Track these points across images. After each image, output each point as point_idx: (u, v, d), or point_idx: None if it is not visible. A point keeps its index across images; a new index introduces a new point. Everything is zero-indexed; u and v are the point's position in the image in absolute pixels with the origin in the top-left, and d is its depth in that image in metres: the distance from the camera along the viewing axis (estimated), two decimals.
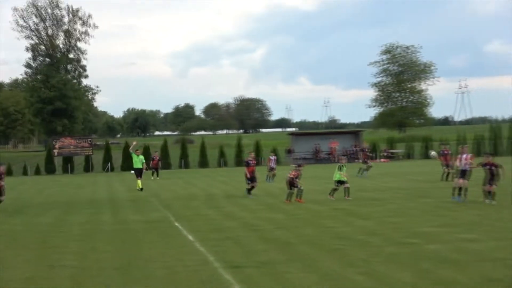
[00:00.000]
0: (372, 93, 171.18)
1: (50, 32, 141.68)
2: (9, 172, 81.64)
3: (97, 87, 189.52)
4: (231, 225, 27.79)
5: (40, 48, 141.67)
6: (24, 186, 61.49)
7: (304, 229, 25.82)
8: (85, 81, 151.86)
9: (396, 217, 28.37)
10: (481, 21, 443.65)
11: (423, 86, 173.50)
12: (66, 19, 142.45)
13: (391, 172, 56.00)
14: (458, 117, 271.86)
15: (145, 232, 26.40)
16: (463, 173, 33.73)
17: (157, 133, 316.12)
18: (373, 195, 37.54)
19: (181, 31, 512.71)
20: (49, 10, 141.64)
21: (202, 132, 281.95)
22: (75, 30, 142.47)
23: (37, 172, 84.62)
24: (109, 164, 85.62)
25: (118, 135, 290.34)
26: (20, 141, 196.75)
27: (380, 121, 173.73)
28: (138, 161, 49.37)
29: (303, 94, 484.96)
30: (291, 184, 36.17)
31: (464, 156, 34.08)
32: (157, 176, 64.67)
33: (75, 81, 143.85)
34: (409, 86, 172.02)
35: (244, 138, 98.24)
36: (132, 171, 77.97)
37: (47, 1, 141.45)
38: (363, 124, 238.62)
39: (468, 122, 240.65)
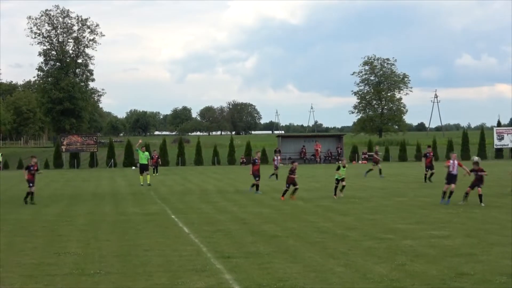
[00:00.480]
0: (353, 100, 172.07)
1: (61, 39, 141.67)
2: (20, 166, 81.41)
3: (103, 89, 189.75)
4: (222, 218, 27.71)
5: (51, 53, 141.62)
6: None
7: (289, 223, 25.77)
8: (92, 84, 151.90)
9: (374, 214, 28.32)
10: (452, 37, 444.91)
11: (399, 95, 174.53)
12: (75, 28, 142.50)
13: (370, 173, 55.92)
14: (430, 124, 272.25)
15: (143, 223, 26.31)
16: (453, 178, 33.10)
17: (156, 133, 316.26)
18: (352, 193, 37.49)
19: (180, 40, 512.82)
20: (60, 19, 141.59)
21: (198, 133, 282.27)
22: (83, 37, 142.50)
23: (46, 166, 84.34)
24: (112, 160, 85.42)
25: (121, 134, 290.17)
26: (31, 137, 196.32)
27: (360, 126, 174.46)
28: (144, 157, 49.10)
29: (290, 100, 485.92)
30: (292, 182, 35.65)
31: (453, 162, 33.39)
32: (156, 172, 64.46)
33: (82, 84, 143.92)
34: (387, 95, 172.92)
35: (236, 139, 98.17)
36: (133, 167, 78.18)
37: (59, 10, 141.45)
38: (344, 129, 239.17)
39: (439, 128, 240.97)
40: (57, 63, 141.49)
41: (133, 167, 78.80)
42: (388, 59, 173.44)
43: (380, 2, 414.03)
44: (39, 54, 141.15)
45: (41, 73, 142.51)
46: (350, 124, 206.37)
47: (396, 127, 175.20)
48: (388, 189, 41.54)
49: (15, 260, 18.12)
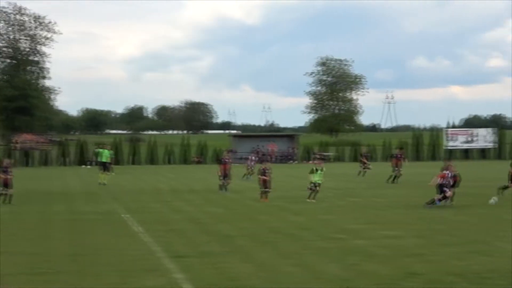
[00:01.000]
0: (307, 100, 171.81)
1: (15, 36, 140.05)
2: None
3: (59, 88, 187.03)
4: (176, 218, 27.66)
5: (5, 50, 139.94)
6: None
7: (243, 223, 25.82)
8: (48, 82, 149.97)
9: (326, 214, 28.47)
10: (407, 39, 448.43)
11: (354, 96, 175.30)
12: (30, 25, 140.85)
13: (323, 173, 56.07)
14: (384, 125, 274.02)
15: (95, 222, 26.16)
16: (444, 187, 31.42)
17: (110, 131, 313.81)
18: (306, 193, 37.59)
19: (136, 39, 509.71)
20: (14, 16, 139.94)
21: (152, 132, 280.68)
22: (38, 35, 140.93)
23: None
24: (65, 158, 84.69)
25: (74, 132, 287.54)
26: None
27: (314, 126, 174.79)
28: (106, 155, 48.76)
29: (245, 100, 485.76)
30: (264, 183, 34.87)
31: (448, 173, 31.70)
32: (109, 171, 63.92)
33: (37, 82, 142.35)
34: (341, 95, 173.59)
35: (190, 138, 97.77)
36: (86, 166, 77.63)
37: (12, 7, 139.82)
38: (299, 129, 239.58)
39: (393, 129, 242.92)
40: (12, 61, 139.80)
41: (86, 166, 78.25)
42: (344, 60, 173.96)
43: (338, 2, 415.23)
44: None
45: None
46: (304, 124, 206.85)
47: (350, 127, 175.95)
48: (342, 190, 41.79)
49: None
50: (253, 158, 54.84)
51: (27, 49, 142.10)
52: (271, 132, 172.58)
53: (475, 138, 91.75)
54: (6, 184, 33.96)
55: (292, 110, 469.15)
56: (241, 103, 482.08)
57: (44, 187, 46.41)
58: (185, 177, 57.42)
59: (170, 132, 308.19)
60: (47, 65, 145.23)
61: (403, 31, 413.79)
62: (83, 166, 78.37)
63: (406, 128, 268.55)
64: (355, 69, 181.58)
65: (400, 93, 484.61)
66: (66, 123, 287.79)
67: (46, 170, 73.55)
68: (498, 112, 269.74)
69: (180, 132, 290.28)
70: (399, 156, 48.92)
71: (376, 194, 38.15)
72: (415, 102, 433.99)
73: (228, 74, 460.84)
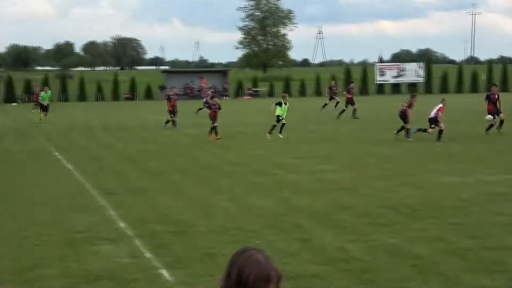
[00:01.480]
0: (238, 36, 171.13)
1: None
2: None
3: None
4: (107, 155, 27.47)
5: None
6: None
7: (175, 159, 25.76)
8: None
9: (259, 150, 28.53)
10: None
11: (284, 31, 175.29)
12: None
13: (255, 108, 56.24)
14: (315, 60, 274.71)
15: (26, 161, 25.84)
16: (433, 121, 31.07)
17: (38, 68, 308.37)
18: (239, 129, 37.62)
19: None
20: None
21: (81, 68, 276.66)
22: None
23: None
24: None
25: (1, 69, 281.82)
26: None
27: (246, 61, 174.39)
28: (46, 97, 48.45)
29: (176, 35, 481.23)
30: (213, 118, 33.26)
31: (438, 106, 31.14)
32: (40, 109, 62.96)
33: None
34: (272, 31, 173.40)
35: (120, 74, 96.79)
36: (14, 103, 76.29)
37: None
38: (230, 64, 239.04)
39: (324, 64, 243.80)
40: None
41: (15, 103, 76.89)
42: None
43: None
44: None
45: None
46: (235, 59, 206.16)
47: (281, 62, 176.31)
48: None
49: None
50: (210, 93, 53.55)
51: None
52: (203, 68, 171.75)
53: (403, 73, 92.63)
54: None
55: (224, 45, 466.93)
56: (170, 38, 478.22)
57: None
58: (116, 113, 56.88)
59: (98, 68, 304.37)
60: None
61: None
62: (13, 104, 76.92)
63: (337, 63, 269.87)
64: (285, 4, 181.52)
65: (330, 28, 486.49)
66: None
67: None
68: (426, 47, 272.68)
69: (110, 68, 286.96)
70: (351, 90, 47.79)
71: (309, 129, 38.30)
72: (345, 37, 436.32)
73: (157, 8, 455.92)
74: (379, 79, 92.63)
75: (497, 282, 10.72)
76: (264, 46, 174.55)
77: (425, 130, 30.80)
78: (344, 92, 49.48)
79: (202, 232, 13.87)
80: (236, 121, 42.16)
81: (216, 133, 32.63)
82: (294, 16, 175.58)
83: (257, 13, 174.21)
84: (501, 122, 33.40)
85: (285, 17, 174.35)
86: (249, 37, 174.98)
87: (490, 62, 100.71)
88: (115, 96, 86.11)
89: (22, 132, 38.88)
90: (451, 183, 19.27)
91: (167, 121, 39.90)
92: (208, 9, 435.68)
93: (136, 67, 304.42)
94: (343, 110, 45.92)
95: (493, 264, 11.39)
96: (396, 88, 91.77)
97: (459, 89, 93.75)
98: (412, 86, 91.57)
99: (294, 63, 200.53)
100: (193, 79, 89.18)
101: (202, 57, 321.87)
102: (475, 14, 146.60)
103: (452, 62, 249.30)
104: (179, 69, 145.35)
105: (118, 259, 12.09)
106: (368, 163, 23.98)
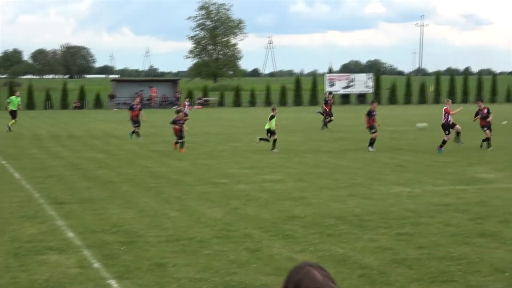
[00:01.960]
0: (189, 45, 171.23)
1: None
2: None
3: None
4: (55, 164, 27.20)
5: None
6: None
7: (124, 168, 25.62)
8: None
9: (208, 159, 28.52)
10: None
11: (235, 40, 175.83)
12: None
13: (205, 118, 56.25)
14: (265, 70, 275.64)
15: None
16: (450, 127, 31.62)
17: None
18: (188, 138, 37.51)
19: None
20: None
21: (30, 76, 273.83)
22: None
23: None
24: None
25: None
26: None
27: (196, 71, 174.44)
28: (16, 103, 47.34)
29: (125, 44, 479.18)
30: (177, 133, 32.15)
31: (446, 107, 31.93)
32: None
33: None
34: (222, 40, 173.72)
35: (69, 83, 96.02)
36: None
37: None
38: (180, 73, 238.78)
39: (274, 74, 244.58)
40: None
41: None
42: (223, 4, 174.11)
43: None
44: None
45: None
46: (186, 69, 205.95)
47: (232, 72, 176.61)
48: (223, 135, 41.89)
49: None
50: (186, 103, 53.03)
51: None
52: (153, 77, 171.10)
53: (353, 83, 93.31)
54: None
55: (174, 54, 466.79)
56: (121, 47, 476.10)
57: None
58: (65, 122, 56.41)
59: (47, 76, 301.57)
60: None
61: None
62: None
63: (287, 73, 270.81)
64: (235, 14, 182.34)
65: (280, 38, 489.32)
66: None
67: None
68: (375, 58, 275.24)
69: (59, 76, 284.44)
70: (330, 101, 46.98)
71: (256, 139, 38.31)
72: (295, 47, 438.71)
73: (107, 17, 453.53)
74: (329, 89, 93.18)
75: None
76: (215, 55, 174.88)
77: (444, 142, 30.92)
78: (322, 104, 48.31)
79: (152, 242, 13.81)
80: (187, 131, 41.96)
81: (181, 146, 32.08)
82: (244, 26, 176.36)
83: (208, 23, 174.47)
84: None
85: (236, 27, 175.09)
86: (200, 47, 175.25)
87: (438, 74, 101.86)
88: (64, 105, 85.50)
89: None
90: (399, 194, 19.46)
91: (133, 132, 39.27)
92: (158, 18, 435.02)
93: (86, 76, 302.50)
94: (330, 120, 45.53)
95: (440, 274, 11.51)
96: (345, 98, 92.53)
97: (407, 101, 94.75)
98: (362, 97, 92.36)
99: (245, 73, 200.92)
100: (143, 88, 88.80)
101: (152, 66, 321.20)
102: (423, 26, 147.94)
103: (400, 73, 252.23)
104: (129, 78, 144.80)
105: (66, 269, 11.98)
106: (317, 173, 24.10)
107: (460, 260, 12.34)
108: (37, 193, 19.83)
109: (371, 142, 31.28)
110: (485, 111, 32.61)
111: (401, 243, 13.60)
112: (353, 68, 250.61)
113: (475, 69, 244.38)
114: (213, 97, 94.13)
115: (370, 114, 31.59)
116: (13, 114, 46.89)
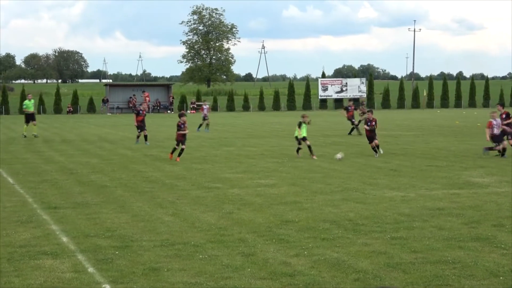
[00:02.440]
0: (182, 50, 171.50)
1: None
2: None
3: None
4: (49, 168, 27.15)
5: None
6: None
7: (118, 173, 25.59)
8: None
9: (202, 164, 28.51)
10: None
11: (228, 45, 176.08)
12: None
13: (199, 122, 56.12)
14: (258, 75, 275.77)
15: None
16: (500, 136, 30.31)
17: None
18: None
19: None
20: None
21: (22, 81, 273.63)
22: None
23: None
24: None
25: None
26: None
27: (189, 75, 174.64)
28: (31, 105, 46.32)
29: (118, 48, 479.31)
30: (180, 139, 30.40)
31: (496, 121, 30.52)
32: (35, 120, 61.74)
33: None
34: (215, 45, 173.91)
35: (62, 87, 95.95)
36: None
37: None
38: (173, 78, 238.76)
39: (267, 79, 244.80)
40: None
41: None
42: (216, 9, 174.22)
43: None
44: None
45: None
46: (179, 73, 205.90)
47: (225, 77, 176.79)
48: (217, 139, 41.87)
49: None
50: (205, 107, 52.48)
51: None
52: (145, 82, 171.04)
53: (346, 88, 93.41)
54: None
55: (167, 59, 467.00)
56: (113, 52, 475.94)
57: None
58: (58, 127, 56.37)
59: (39, 81, 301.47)
60: None
61: None
62: None
63: (280, 78, 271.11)
64: (228, 18, 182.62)
65: (273, 43, 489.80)
66: None
67: None
68: (368, 63, 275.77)
69: (52, 81, 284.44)
70: (351, 108, 46.27)
71: (251, 143, 38.40)
72: (288, 52, 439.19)
73: (100, 21, 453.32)
74: (322, 94, 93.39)
75: None
76: (208, 60, 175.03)
77: (491, 149, 30.45)
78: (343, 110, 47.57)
79: (146, 247, 13.79)
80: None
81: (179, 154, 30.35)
82: (237, 31, 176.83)
83: (201, 27, 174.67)
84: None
85: (229, 32, 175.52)
86: (193, 51, 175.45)
87: (430, 78, 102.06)
88: (57, 109, 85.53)
89: None
90: (393, 198, 19.47)
91: (138, 137, 39.02)
92: (151, 22, 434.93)
93: (79, 80, 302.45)
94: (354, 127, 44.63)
95: (435, 278, 11.51)
96: (338, 103, 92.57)
97: (400, 105, 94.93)
98: (355, 102, 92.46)
99: (238, 78, 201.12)
100: (136, 93, 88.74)
101: (146, 70, 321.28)
102: (416, 31, 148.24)
103: (393, 78, 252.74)
104: (122, 82, 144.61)
105: (60, 274, 11.94)
106: (311, 177, 24.09)
107: (454, 264, 12.35)
108: (30, 198, 19.79)
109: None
110: (504, 116, 31.36)
111: (395, 247, 13.61)
112: (346, 73, 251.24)
113: (467, 73, 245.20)
114: (205, 102, 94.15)
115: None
116: (29, 117, 45.70)
